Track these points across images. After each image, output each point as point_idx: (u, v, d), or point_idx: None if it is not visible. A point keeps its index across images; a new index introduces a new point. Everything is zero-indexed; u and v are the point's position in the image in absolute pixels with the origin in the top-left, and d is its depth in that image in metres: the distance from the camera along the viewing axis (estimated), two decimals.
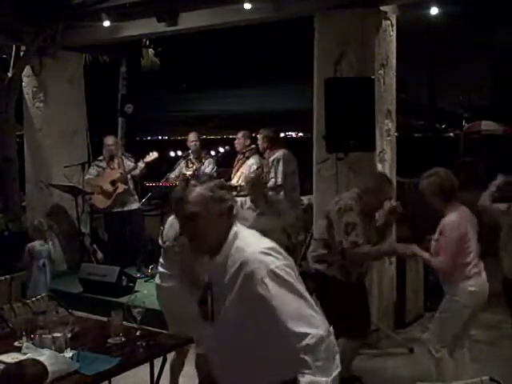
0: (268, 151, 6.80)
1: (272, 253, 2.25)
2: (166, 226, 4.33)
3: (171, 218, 4.26)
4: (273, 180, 6.63)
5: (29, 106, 8.35)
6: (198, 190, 2.30)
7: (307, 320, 2.16)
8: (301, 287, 2.24)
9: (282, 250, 2.30)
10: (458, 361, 4.30)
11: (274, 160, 6.67)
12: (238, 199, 5.60)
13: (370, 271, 5.19)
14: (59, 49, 8.00)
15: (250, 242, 2.30)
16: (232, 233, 2.32)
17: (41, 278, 6.20)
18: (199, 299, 2.46)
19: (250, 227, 4.91)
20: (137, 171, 7.61)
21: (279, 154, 6.70)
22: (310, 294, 4.32)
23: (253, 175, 5.54)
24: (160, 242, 4.42)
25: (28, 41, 7.77)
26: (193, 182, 2.35)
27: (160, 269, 4.39)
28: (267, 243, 2.31)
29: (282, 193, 6.62)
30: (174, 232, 4.13)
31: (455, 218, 4.14)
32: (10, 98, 8.11)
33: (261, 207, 5.16)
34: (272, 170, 6.65)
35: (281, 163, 6.62)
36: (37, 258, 6.21)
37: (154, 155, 7.58)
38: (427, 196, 4.24)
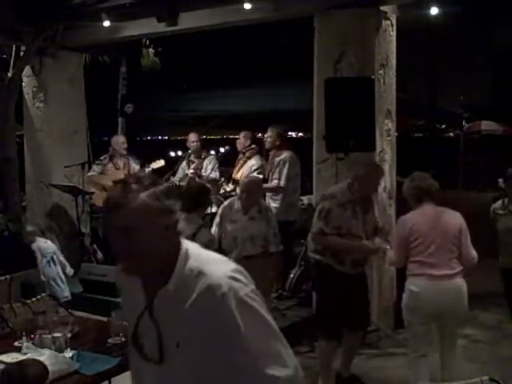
0: (274, 150, 6.76)
1: (240, 277, 1.90)
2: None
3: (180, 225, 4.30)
4: (276, 181, 6.61)
5: (29, 105, 8.35)
6: (141, 197, 1.91)
7: (278, 358, 1.88)
8: (267, 314, 1.93)
9: (243, 271, 1.95)
10: (445, 361, 4.24)
11: (280, 161, 6.63)
12: (228, 200, 5.58)
13: (370, 268, 5.19)
14: (59, 49, 7.99)
15: (209, 263, 1.94)
16: (182, 252, 1.95)
17: (54, 273, 6.25)
18: (132, 335, 2.09)
19: (241, 230, 4.91)
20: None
21: (286, 155, 6.66)
22: (312, 281, 4.41)
23: (252, 184, 5.41)
24: None
25: (28, 41, 7.77)
26: (134, 185, 1.95)
27: None
28: (231, 265, 1.95)
29: (280, 195, 6.60)
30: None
31: (405, 216, 4.23)
32: (10, 98, 8.10)
33: (252, 212, 5.13)
34: (276, 171, 6.61)
35: (287, 165, 6.59)
36: (44, 256, 6.25)
37: (160, 163, 7.56)
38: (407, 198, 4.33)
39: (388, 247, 4.48)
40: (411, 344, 4.27)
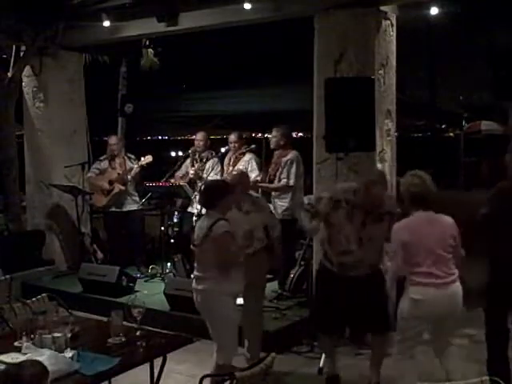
0: (280, 150, 6.77)
1: None
2: (196, 227, 4.45)
3: (200, 221, 4.40)
4: (284, 180, 6.62)
5: (29, 105, 8.35)
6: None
7: None
8: None
9: None
10: (443, 363, 4.20)
11: (287, 161, 6.64)
12: None
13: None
14: (59, 49, 8.00)
15: None
16: None
17: None
18: None
19: (238, 226, 4.93)
20: (132, 173, 7.65)
21: (293, 155, 6.67)
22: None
23: (236, 177, 5.32)
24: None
25: (28, 41, 7.77)
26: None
27: (195, 272, 4.42)
28: None
29: (290, 193, 6.62)
30: (202, 232, 4.24)
31: (401, 223, 4.09)
32: (10, 98, 8.11)
33: (246, 206, 5.07)
34: (284, 171, 6.63)
35: (294, 165, 6.61)
36: None
37: (148, 159, 7.61)
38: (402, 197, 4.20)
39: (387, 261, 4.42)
40: (399, 346, 4.22)
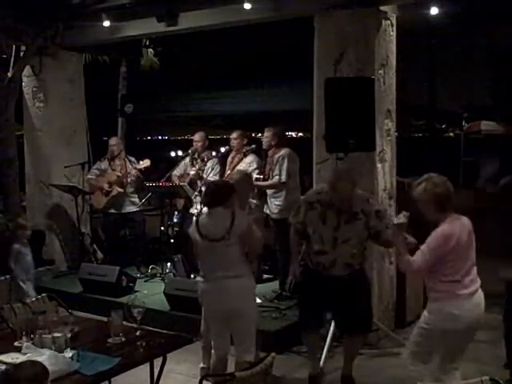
0: (274, 149, 6.78)
1: None
2: (205, 225, 4.28)
3: (209, 219, 4.27)
4: (277, 177, 6.60)
5: (29, 105, 8.35)
6: None
7: None
8: None
9: None
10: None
11: (279, 157, 6.62)
12: None
13: (370, 269, 5.16)
14: (59, 49, 7.99)
15: None
16: None
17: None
18: None
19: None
20: (132, 177, 7.67)
21: (285, 151, 6.67)
22: None
23: (238, 177, 5.29)
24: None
25: (28, 41, 7.76)
26: None
27: (219, 272, 4.24)
28: None
29: (283, 192, 6.60)
30: (223, 228, 4.12)
31: (447, 228, 3.71)
32: (10, 98, 8.10)
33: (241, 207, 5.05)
34: (276, 168, 6.61)
35: (286, 161, 6.58)
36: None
37: (146, 163, 7.64)
38: (421, 204, 3.82)
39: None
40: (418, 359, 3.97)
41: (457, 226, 3.74)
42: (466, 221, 3.84)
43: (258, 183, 6.70)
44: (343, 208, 4.46)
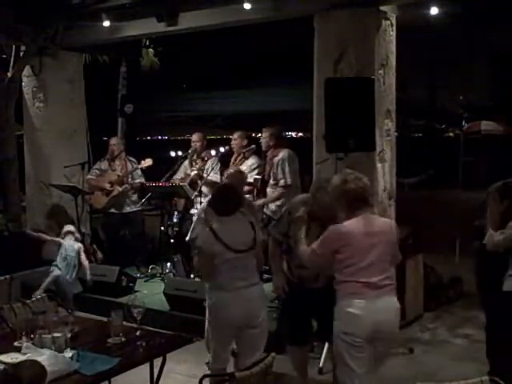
0: (272, 150, 6.78)
1: None
2: (230, 233, 4.02)
3: (232, 225, 4.05)
4: (282, 180, 6.60)
5: (29, 106, 8.35)
6: None
7: None
8: None
9: None
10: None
11: (279, 161, 6.63)
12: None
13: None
14: (59, 49, 8.00)
15: None
16: None
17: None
18: None
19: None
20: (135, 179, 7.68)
21: (284, 153, 6.67)
22: None
23: (233, 177, 5.15)
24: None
25: (28, 41, 7.77)
26: None
27: (238, 282, 4.09)
28: None
29: (285, 191, 6.61)
30: (249, 236, 4.00)
31: (343, 225, 3.61)
32: (10, 98, 8.11)
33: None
34: (279, 172, 6.62)
35: (286, 163, 6.60)
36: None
37: (148, 162, 7.64)
38: (333, 199, 3.73)
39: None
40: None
41: (359, 225, 3.58)
42: (378, 222, 3.70)
43: (267, 200, 6.65)
44: (324, 219, 4.04)
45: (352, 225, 3.60)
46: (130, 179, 7.68)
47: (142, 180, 7.71)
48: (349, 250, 3.56)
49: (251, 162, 6.99)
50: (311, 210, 4.15)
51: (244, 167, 6.93)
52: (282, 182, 6.61)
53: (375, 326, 3.53)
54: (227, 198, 4.13)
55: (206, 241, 3.99)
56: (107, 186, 7.65)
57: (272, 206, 6.65)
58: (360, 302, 3.53)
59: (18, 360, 3.06)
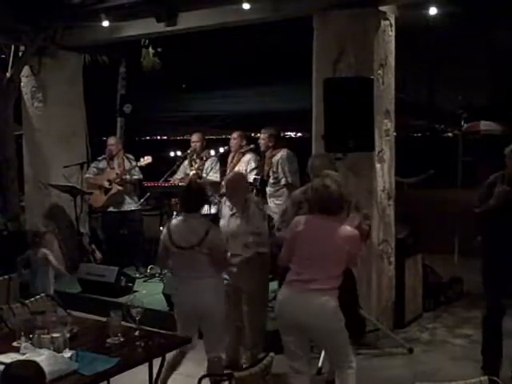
0: (271, 150, 6.79)
1: None
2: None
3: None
4: (284, 179, 6.64)
5: (28, 106, 8.35)
6: None
7: None
8: None
9: None
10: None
11: (278, 160, 6.67)
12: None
13: (370, 269, 5.06)
14: (58, 49, 8.00)
15: None
16: None
17: None
18: None
19: (225, 226, 4.87)
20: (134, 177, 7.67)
21: (282, 153, 6.70)
22: None
23: (235, 180, 5.15)
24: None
25: (27, 41, 7.77)
26: None
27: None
28: None
29: (286, 192, 6.61)
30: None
31: (297, 218, 4.00)
32: (9, 98, 8.11)
33: (236, 209, 4.96)
34: (279, 171, 6.66)
35: (286, 162, 6.63)
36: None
37: (147, 159, 7.63)
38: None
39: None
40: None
41: (308, 223, 3.89)
42: (328, 224, 3.84)
43: (276, 210, 6.61)
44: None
45: (304, 221, 3.93)
46: (127, 176, 7.67)
47: (141, 177, 7.71)
48: (298, 239, 3.88)
49: (248, 157, 7.00)
50: (309, 199, 4.34)
51: (242, 164, 6.94)
52: (283, 181, 6.63)
53: (295, 318, 3.79)
54: (187, 197, 4.44)
55: (164, 233, 4.42)
56: (106, 184, 7.64)
57: (273, 206, 6.65)
58: (286, 290, 3.88)
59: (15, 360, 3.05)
